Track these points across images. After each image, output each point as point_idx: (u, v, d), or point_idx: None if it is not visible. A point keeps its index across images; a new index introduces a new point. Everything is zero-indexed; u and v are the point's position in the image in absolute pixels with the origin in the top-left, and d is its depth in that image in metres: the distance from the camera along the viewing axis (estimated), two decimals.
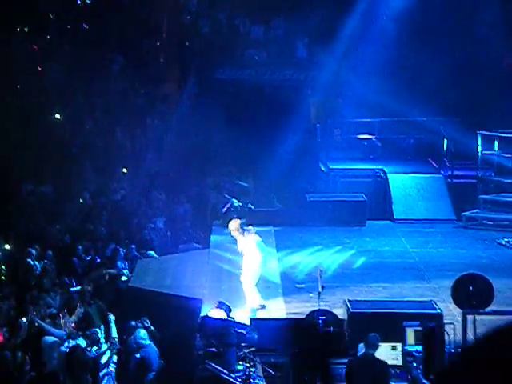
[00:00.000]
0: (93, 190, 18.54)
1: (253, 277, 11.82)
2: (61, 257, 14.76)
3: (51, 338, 11.16)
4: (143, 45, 22.75)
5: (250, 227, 11.95)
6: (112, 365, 11.06)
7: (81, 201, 17.98)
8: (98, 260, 14.86)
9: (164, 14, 23.13)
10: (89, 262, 14.86)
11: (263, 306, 11.92)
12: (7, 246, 14.77)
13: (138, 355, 11.25)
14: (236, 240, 12.03)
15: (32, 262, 13.92)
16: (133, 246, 15.68)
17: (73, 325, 11.65)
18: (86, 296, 12.41)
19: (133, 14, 22.44)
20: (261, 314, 11.70)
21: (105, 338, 11.38)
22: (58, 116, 20.82)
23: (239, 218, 12.10)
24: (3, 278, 13.58)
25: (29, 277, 13.35)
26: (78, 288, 13.00)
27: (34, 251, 14.33)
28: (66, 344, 10.97)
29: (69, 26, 22.51)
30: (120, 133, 20.86)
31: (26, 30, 21.66)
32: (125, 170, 19.62)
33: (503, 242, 15.86)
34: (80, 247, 15.29)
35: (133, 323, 11.59)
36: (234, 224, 11.85)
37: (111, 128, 20.92)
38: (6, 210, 16.99)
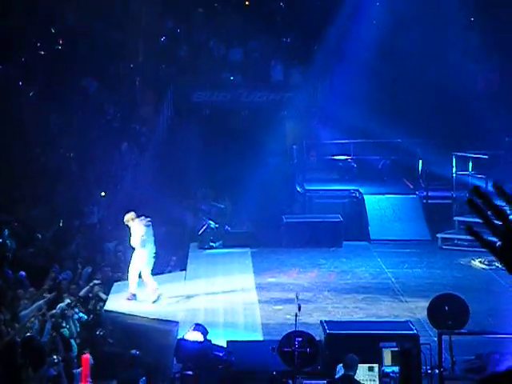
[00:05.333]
0: (68, 214, 18.45)
1: (143, 263, 13.37)
2: (35, 279, 14.59)
3: None
4: (118, 68, 22.76)
5: (142, 217, 13.57)
6: None
7: (60, 224, 17.89)
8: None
9: (140, 37, 23.18)
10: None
11: (135, 296, 13.33)
12: None
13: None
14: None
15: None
16: (107, 269, 15.59)
17: None
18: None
19: (108, 37, 22.47)
20: (130, 303, 13.17)
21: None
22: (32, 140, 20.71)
23: (133, 211, 13.71)
24: None
25: None
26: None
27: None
28: None
29: (42, 51, 22.48)
30: (95, 156, 20.80)
31: None
32: (103, 194, 19.57)
33: (477, 263, 15.96)
34: (57, 268, 15.14)
35: None
36: (129, 215, 13.54)
37: (86, 151, 20.85)
38: None
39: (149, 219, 13.67)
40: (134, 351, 11.12)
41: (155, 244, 13.69)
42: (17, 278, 14.05)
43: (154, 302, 13.50)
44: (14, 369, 10.44)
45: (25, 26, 21.68)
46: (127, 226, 13.63)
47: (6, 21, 21.53)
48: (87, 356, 11.26)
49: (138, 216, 13.61)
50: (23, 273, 14.20)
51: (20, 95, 21.30)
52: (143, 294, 13.66)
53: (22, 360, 10.63)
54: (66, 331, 12.24)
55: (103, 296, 13.60)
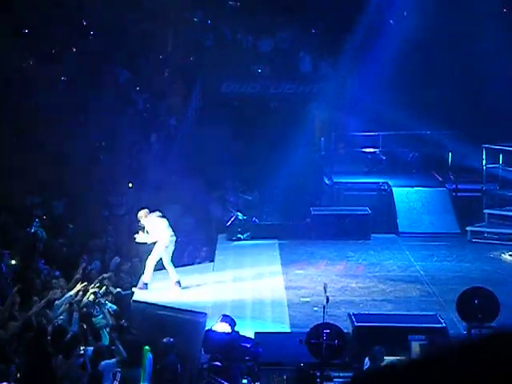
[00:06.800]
0: (97, 205, 18.56)
1: (160, 253, 13.58)
2: (65, 269, 14.73)
3: None
4: (148, 59, 22.82)
5: (151, 213, 13.83)
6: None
7: (87, 216, 18.01)
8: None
9: (169, 28, 23.22)
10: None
11: (146, 285, 13.60)
12: (13, 262, 14.75)
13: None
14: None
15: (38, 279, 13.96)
16: (136, 259, 15.67)
17: None
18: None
19: (137, 28, 22.52)
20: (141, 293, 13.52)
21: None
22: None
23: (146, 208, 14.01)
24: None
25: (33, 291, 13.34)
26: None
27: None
28: None
29: (73, 44, 22.61)
30: (124, 147, 20.90)
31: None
32: (130, 185, 19.66)
33: (508, 256, 15.84)
34: (85, 258, 15.29)
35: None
36: (142, 212, 13.82)
37: (116, 142, 20.95)
38: (10, 223, 17.00)
39: (158, 211, 13.88)
40: (166, 339, 11.14)
41: (175, 233, 13.85)
42: (51, 274, 14.21)
43: (183, 288, 13.75)
44: (44, 357, 10.55)
45: (54, 17, 21.81)
46: (140, 223, 13.80)
47: (36, 13, 21.66)
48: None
49: (150, 212, 13.79)
50: (58, 272, 14.38)
51: (50, 86, 21.42)
52: (169, 284, 13.75)
53: (52, 348, 10.74)
54: (100, 320, 12.33)
55: (113, 290, 13.64)
